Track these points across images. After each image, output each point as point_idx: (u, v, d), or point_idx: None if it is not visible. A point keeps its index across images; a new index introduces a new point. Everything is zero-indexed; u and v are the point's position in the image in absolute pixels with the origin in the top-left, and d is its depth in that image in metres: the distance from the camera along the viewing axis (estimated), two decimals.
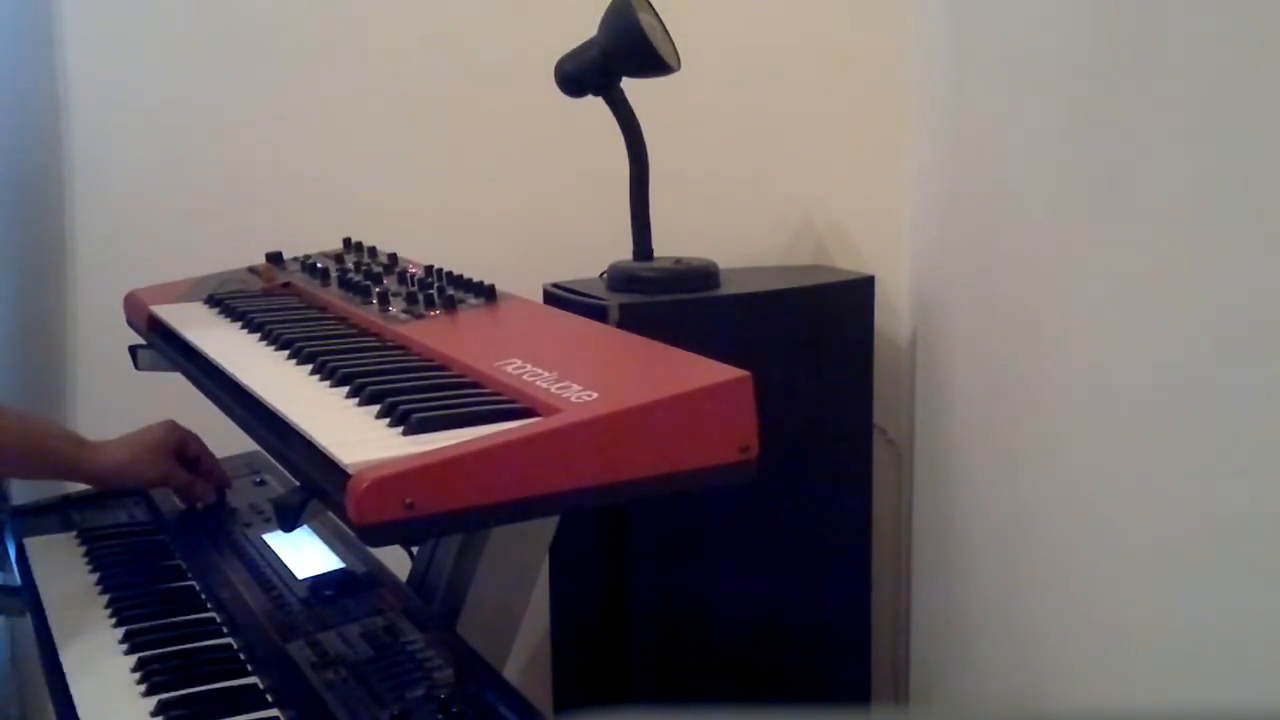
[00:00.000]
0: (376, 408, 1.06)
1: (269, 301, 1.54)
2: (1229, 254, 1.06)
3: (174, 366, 1.45)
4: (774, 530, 1.89)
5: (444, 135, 2.17)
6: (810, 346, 1.89)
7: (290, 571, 1.41)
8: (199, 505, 1.65)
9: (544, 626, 2.06)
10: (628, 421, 0.98)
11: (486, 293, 1.42)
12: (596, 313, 1.70)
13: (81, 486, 1.69)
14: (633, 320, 1.67)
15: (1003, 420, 1.60)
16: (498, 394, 1.07)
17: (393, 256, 1.66)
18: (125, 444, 1.59)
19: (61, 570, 1.50)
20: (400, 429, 1.00)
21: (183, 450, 1.63)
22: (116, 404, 2.06)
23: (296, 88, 2.14)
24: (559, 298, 1.82)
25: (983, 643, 1.72)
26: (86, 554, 1.54)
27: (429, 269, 1.54)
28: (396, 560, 1.45)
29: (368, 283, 1.48)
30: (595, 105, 1.82)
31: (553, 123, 2.04)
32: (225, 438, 1.48)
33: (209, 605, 1.38)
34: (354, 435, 1.00)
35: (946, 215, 1.85)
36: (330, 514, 1.17)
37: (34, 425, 1.61)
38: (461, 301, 1.40)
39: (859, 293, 1.95)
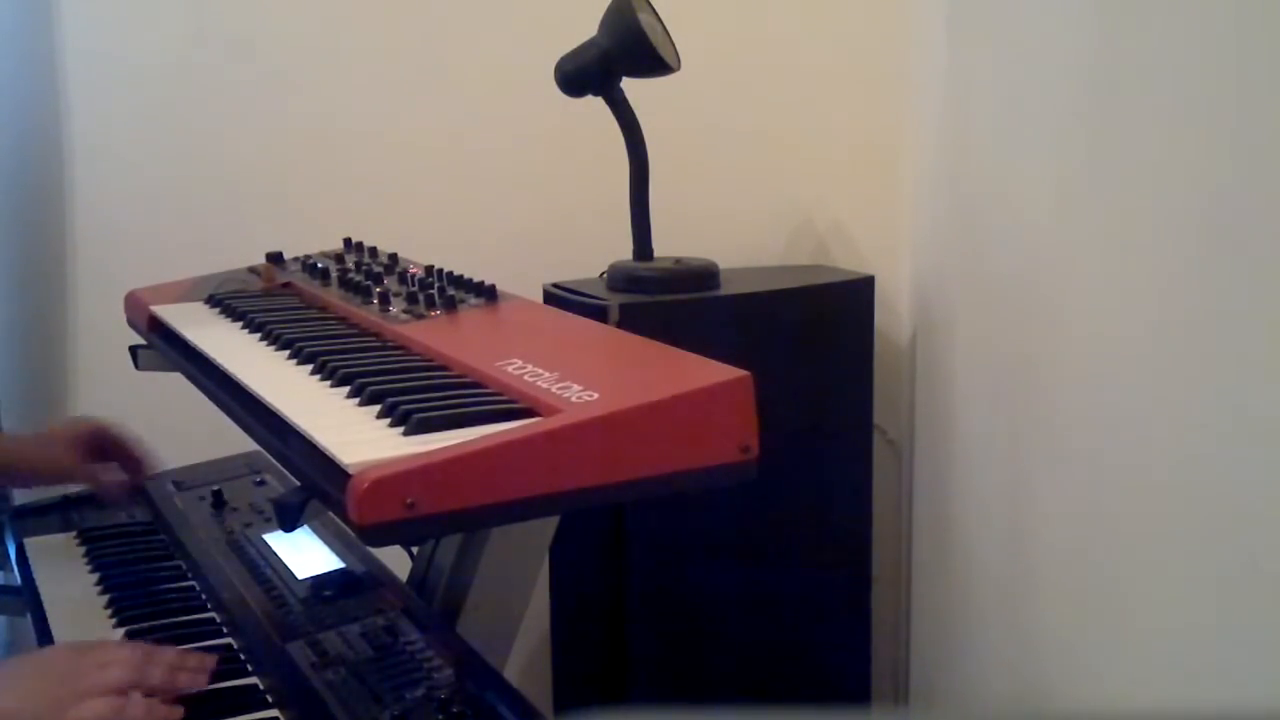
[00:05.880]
0: (377, 408, 1.06)
1: (269, 301, 1.54)
2: (1230, 254, 1.06)
3: (174, 366, 1.45)
4: (774, 530, 1.89)
5: (444, 135, 2.17)
6: (810, 346, 1.89)
7: (290, 571, 1.41)
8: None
9: (544, 626, 2.06)
10: (628, 421, 0.98)
11: (487, 293, 1.42)
12: (596, 313, 1.70)
13: (82, 486, 1.69)
14: (633, 320, 1.67)
15: (1003, 420, 1.60)
16: (498, 394, 1.07)
17: (393, 256, 1.66)
18: (33, 437, 1.51)
19: (61, 570, 1.49)
20: (401, 429, 1.00)
21: (96, 443, 1.54)
22: (116, 404, 2.05)
23: (296, 88, 2.14)
24: (559, 298, 1.82)
25: (983, 643, 1.72)
26: (86, 554, 1.54)
27: (429, 269, 1.54)
28: (396, 560, 1.45)
29: (368, 283, 1.48)
30: (595, 105, 1.82)
31: (552, 123, 2.04)
32: (225, 438, 1.47)
33: (209, 605, 1.38)
34: (354, 435, 1.00)
35: (946, 215, 1.85)
36: (330, 514, 1.17)
37: None
38: (462, 301, 1.40)
39: (859, 292, 1.95)
